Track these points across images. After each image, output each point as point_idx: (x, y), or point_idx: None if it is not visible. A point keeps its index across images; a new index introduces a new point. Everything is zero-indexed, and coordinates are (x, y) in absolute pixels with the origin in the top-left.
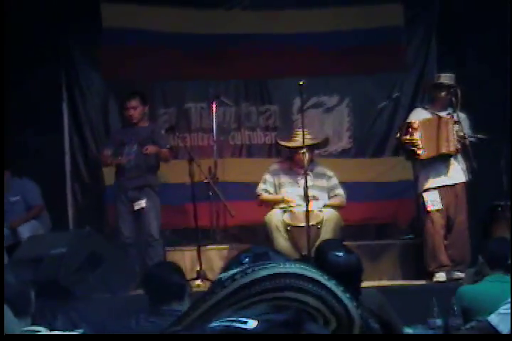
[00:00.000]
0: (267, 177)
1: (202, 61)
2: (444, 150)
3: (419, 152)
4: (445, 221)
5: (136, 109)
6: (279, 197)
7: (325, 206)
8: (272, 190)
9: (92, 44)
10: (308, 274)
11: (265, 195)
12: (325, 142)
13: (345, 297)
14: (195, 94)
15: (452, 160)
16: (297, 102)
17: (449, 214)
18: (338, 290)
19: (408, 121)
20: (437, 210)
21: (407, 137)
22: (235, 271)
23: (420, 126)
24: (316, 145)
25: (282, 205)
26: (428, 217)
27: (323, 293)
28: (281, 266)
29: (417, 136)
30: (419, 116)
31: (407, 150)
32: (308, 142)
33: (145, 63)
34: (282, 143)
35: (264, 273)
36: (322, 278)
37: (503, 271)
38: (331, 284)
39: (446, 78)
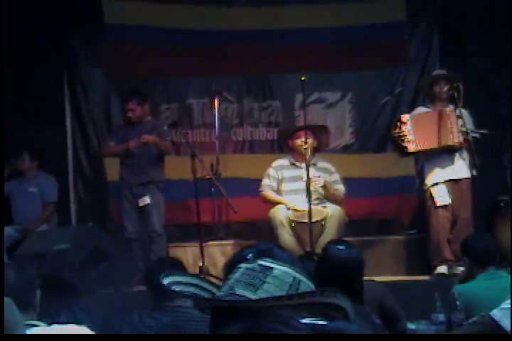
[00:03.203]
0: (271, 172)
1: (204, 57)
2: (448, 143)
3: (406, 145)
4: (450, 215)
5: (134, 111)
6: (282, 200)
7: (323, 186)
8: (275, 185)
9: (94, 40)
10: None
11: (269, 192)
12: (325, 132)
13: None
14: (198, 90)
15: (457, 155)
16: (299, 98)
17: (453, 210)
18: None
19: None
20: (445, 205)
21: (395, 131)
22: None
23: (411, 119)
24: (317, 133)
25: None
26: (433, 212)
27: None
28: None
29: (405, 129)
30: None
31: (396, 145)
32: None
33: (147, 59)
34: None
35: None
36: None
37: (495, 266)
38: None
39: (439, 72)
